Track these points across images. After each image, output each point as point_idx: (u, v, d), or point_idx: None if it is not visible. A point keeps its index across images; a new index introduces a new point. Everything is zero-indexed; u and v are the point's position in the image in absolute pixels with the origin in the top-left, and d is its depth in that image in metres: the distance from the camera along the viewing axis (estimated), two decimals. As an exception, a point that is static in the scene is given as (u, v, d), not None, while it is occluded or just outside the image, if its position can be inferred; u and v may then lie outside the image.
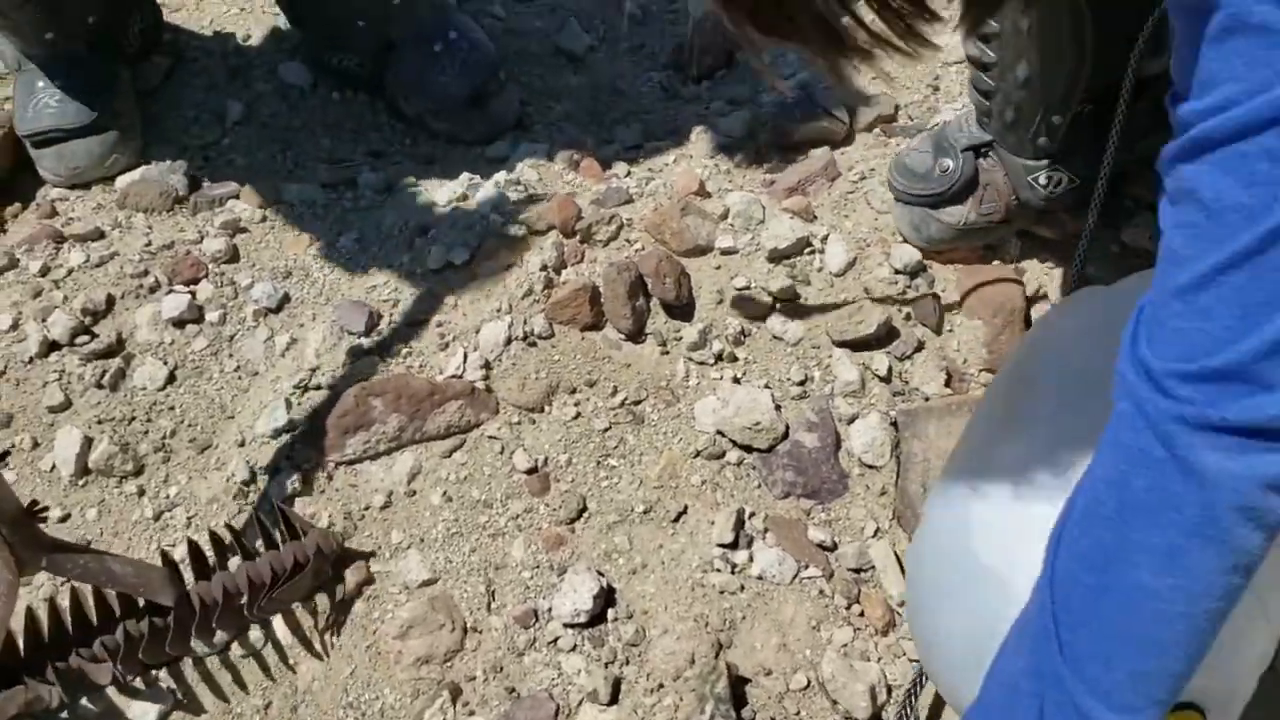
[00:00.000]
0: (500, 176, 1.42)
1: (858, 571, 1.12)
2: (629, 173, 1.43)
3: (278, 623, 1.11)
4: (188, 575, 1.08)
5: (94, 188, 1.47)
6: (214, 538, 1.09)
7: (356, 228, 1.41)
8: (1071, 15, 1.06)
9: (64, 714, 1.05)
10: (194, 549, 1.07)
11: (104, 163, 1.47)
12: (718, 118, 1.50)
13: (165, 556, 1.05)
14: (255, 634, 1.10)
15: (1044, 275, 1.29)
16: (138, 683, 1.07)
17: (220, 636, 1.08)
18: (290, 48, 1.65)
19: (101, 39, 1.51)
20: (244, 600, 1.05)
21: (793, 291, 1.26)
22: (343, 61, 1.54)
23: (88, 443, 1.21)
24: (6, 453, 0.94)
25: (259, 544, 1.10)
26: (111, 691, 1.06)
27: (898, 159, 1.31)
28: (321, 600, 1.11)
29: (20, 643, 1.02)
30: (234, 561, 1.09)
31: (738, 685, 1.03)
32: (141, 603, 1.04)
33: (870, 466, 1.18)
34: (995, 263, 1.29)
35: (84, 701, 1.06)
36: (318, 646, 1.09)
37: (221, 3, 1.72)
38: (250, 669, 1.09)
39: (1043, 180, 1.22)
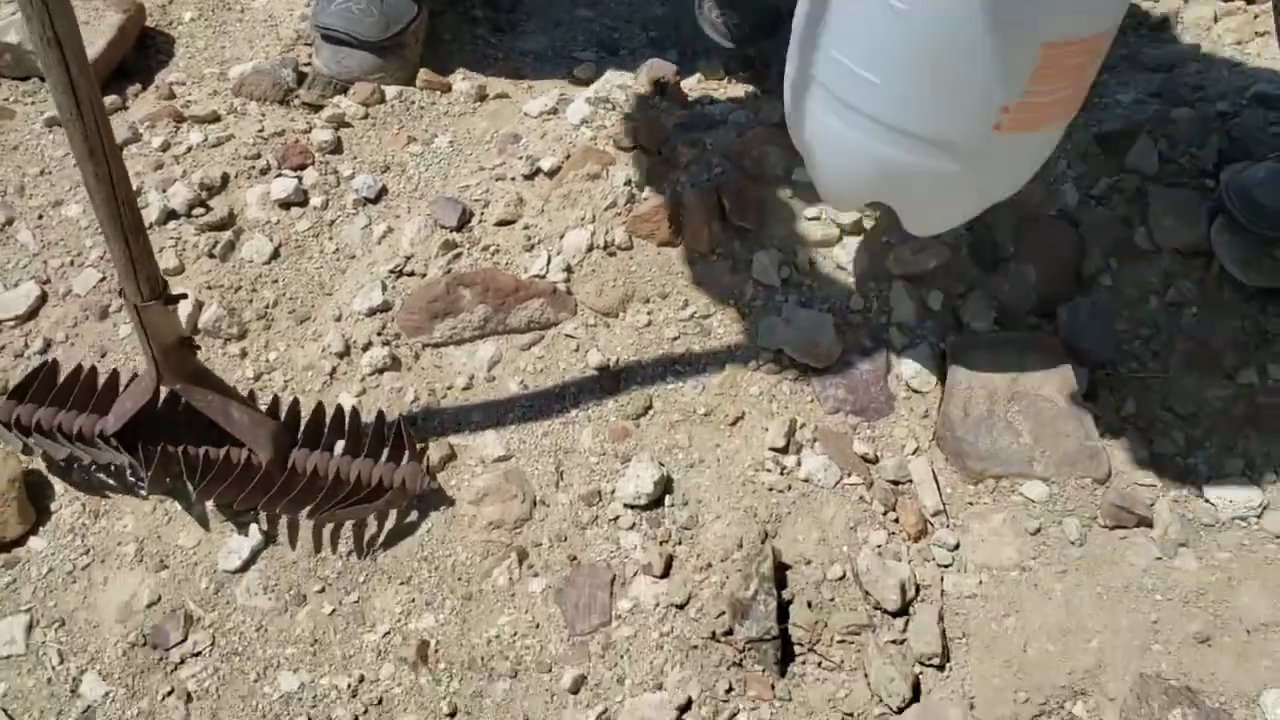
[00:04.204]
0: (590, 93, 1.50)
1: (896, 483, 1.21)
2: (713, 100, 1.51)
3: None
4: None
5: (207, 76, 1.57)
6: (336, 414, 1.17)
7: (451, 131, 1.50)
8: None
9: (157, 547, 1.17)
10: (295, 410, 1.18)
11: (371, 75, 1.55)
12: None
13: (274, 408, 1.17)
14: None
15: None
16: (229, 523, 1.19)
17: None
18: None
19: None
20: (320, 494, 1.12)
21: (860, 225, 1.34)
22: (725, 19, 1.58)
23: (198, 306, 1.32)
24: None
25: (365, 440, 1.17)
26: (212, 523, 1.18)
27: (1245, 190, 1.28)
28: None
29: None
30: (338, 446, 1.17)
31: (779, 570, 1.13)
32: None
33: (916, 391, 1.27)
34: (1054, 211, 1.36)
35: (180, 539, 1.18)
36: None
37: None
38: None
39: None
